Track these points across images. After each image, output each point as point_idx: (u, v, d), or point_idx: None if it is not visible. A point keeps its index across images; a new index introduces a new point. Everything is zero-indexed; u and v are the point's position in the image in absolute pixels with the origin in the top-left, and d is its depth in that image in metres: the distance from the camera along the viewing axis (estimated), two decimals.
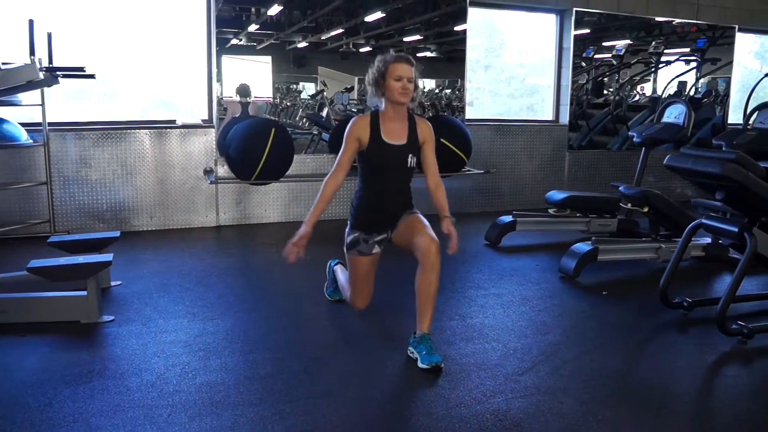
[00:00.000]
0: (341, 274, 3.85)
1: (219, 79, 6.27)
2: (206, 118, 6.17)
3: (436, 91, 8.35)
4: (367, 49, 7.80)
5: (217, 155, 6.07)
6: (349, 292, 3.58)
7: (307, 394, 2.78)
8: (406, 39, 7.95)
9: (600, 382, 2.98)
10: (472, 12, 6.90)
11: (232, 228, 6.07)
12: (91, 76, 5.08)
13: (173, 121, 6.08)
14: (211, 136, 6.04)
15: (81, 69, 4.98)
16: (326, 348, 3.33)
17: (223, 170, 6.05)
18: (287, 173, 5.96)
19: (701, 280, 4.76)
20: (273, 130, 5.72)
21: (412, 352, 3.14)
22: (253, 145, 5.68)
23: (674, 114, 5.42)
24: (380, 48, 7.76)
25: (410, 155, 3.24)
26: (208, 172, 6.03)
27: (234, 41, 6.66)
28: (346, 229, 3.41)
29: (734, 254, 4.88)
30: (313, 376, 2.97)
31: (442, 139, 5.96)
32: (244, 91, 6.36)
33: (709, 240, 5.01)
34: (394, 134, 3.21)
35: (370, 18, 7.32)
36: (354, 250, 3.39)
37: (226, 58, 6.43)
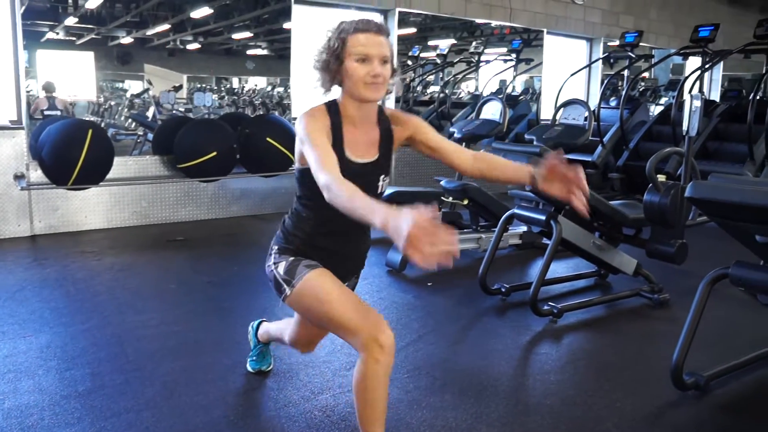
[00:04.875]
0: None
1: (33, 76, 5.85)
2: (15, 118, 5.70)
3: (268, 89, 8.30)
4: (196, 46, 7.63)
5: (29, 159, 5.63)
6: (351, 342, 2.04)
7: (129, 407, 2.67)
8: (235, 36, 7.83)
9: (424, 371, 3.10)
10: (297, 9, 6.90)
11: (48, 237, 5.66)
12: None
13: None
14: (21, 138, 5.60)
15: None
16: (150, 357, 3.20)
17: (36, 175, 5.63)
18: (108, 177, 5.65)
19: (518, 266, 5.09)
20: (90, 131, 5.40)
21: None
22: (69, 148, 5.33)
23: (491, 111, 5.75)
24: (209, 45, 7.59)
25: (382, 177, 2.17)
26: (18, 177, 5.58)
27: (50, 35, 6.24)
28: (269, 263, 2.21)
29: (546, 241, 5.27)
30: (136, 387, 2.86)
31: (268, 138, 5.93)
32: (49, 86, 6.05)
33: (525, 228, 5.37)
34: (361, 146, 2.11)
35: (197, 14, 7.14)
36: (299, 271, 2.12)
37: (41, 53, 6.02)
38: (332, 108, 2.10)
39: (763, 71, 7.95)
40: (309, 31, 7.06)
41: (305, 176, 2.08)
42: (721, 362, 3.16)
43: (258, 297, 4.13)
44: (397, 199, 5.54)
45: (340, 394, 2.83)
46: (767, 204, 2.63)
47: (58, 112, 6.23)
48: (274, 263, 2.18)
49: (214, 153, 5.86)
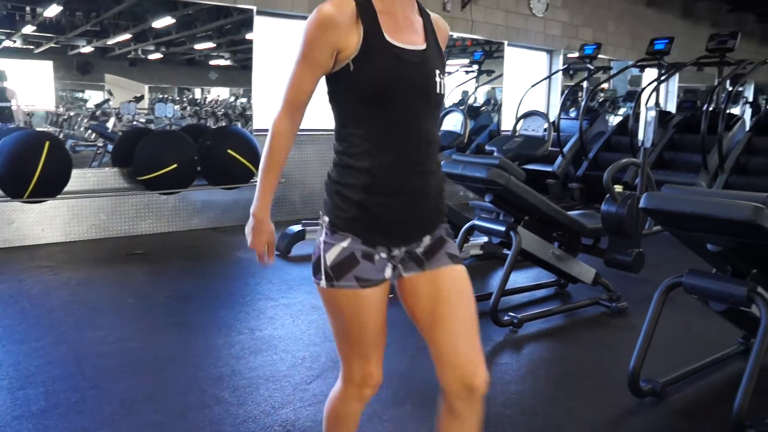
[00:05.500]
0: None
1: None
2: None
3: (231, 100, 8.24)
4: (158, 56, 7.53)
5: None
6: (342, 367, 1.89)
7: (85, 427, 2.62)
8: (198, 46, 7.77)
9: (385, 384, 3.04)
10: (260, 20, 6.89)
11: (3, 251, 5.53)
12: None
13: None
14: None
15: None
16: (107, 374, 3.15)
17: None
18: (66, 189, 5.56)
19: (479, 276, 5.12)
20: (47, 143, 5.31)
21: None
22: (25, 160, 5.23)
23: (452, 122, 5.81)
24: (171, 55, 7.52)
25: (438, 72, 1.71)
26: None
27: (7, 43, 6.12)
28: (320, 238, 1.75)
29: (506, 251, 5.32)
30: (93, 406, 2.80)
31: (229, 150, 5.90)
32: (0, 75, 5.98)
33: (485, 239, 5.41)
34: (405, 30, 1.69)
35: (158, 24, 7.07)
36: (347, 277, 1.70)
37: None
38: None
39: (715, 83, 8.15)
40: (271, 42, 7.06)
41: (336, 87, 1.69)
42: (677, 368, 3.23)
43: (219, 311, 4.09)
44: None
45: (300, 408, 2.82)
46: (717, 214, 2.70)
47: (8, 104, 6.10)
48: (325, 243, 1.71)
49: (175, 165, 5.80)
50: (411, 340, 3.72)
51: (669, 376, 3.15)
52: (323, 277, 1.72)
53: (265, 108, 6.95)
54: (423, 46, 1.70)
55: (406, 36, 1.67)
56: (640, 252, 4.04)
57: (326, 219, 1.73)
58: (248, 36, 6.98)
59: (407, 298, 1.81)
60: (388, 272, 1.75)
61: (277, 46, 7.12)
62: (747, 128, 8.22)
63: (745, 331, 3.51)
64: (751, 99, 11.87)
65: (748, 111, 11.19)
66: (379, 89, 1.62)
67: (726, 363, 3.44)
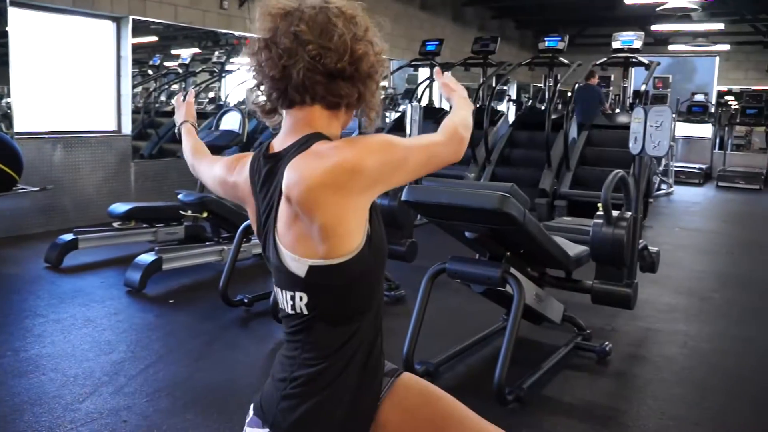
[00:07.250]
0: None
1: None
2: None
3: None
4: None
5: None
6: None
7: None
8: None
9: (165, 393, 3.02)
10: (15, 12, 6.30)
11: None
12: None
13: None
14: None
15: None
16: None
17: None
18: None
19: (261, 275, 5.03)
20: None
21: None
22: None
23: (231, 121, 5.74)
24: None
25: None
26: None
27: None
28: None
29: None
30: None
31: None
32: None
33: None
34: None
35: None
36: None
37: None
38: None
39: (480, 82, 8.86)
40: (31, 36, 6.50)
41: (350, 277, 1.23)
42: (450, 348, 3.47)
43: None
44: (136, 216, 5.32)
45: (71, 429, 2.66)
46: (469, 204, 2.96)
47: None
48: None
49: None
50: (192, 346, 3.66)
51: (442, 356, 3.37)
52: None
53: (27, 108, 6.39)
54: None
55: None
56: (413, 242, 4.26)
57: None
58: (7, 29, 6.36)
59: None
60: None
61: (37, 40, 6.57)
62: (509, 123, 9.01)
63: (507, 309, 3.85)
64: (514, 97, 13.00)
65: (513, 108, 12.27)
66: (378, 265, 1.30)
67: (493, 339, 3.75)
